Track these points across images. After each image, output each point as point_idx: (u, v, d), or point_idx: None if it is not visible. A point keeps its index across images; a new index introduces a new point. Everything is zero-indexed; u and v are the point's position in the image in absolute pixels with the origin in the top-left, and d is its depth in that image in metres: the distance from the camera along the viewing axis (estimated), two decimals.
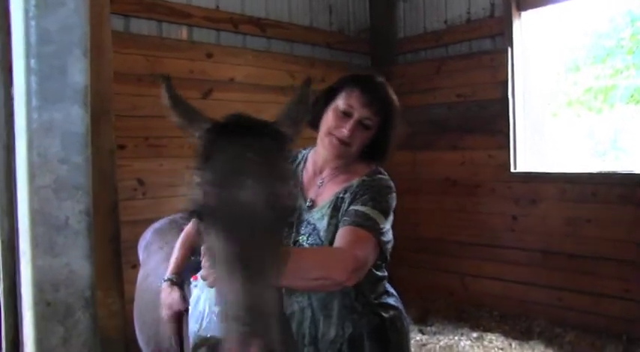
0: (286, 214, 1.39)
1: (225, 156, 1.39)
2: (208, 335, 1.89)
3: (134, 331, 2.86)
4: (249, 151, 1.39)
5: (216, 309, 1.88)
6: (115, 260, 2.16)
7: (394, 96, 2.38)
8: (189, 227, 2.50)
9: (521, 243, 5.98)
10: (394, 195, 2.26)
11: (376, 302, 2.36)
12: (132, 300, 2.91)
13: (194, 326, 1.96)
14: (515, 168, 6.07)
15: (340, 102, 2.28)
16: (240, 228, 1.29)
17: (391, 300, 2.43)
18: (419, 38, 6.94)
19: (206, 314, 1.93)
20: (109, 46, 2.12)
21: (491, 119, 6.18)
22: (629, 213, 5.19)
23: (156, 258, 2.86)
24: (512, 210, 6.06)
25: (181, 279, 2.36)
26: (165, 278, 2.40)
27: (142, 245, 3.18)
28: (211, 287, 1.76)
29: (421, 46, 6.92)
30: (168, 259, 2.60)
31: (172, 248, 2.64)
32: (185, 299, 2.26)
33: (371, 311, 2.33)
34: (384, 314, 2.35)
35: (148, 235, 3.19)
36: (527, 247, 5.93)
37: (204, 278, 1.76)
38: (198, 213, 1.36)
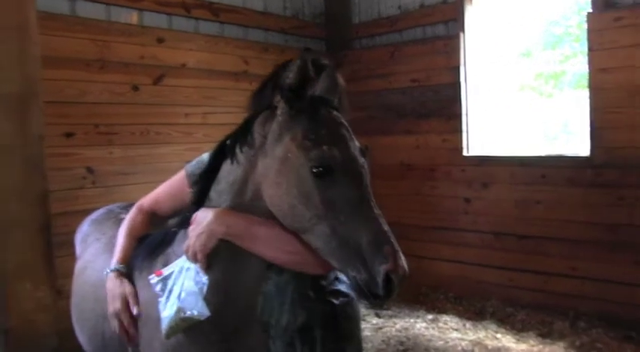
0: (368, 163, 1.86)
1: (332, 122, 1.84)
2: (187, 314, 1.90)
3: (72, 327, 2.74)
4: (342, 119, 1.89)
5: (196, 288, 1.93)
6: (46, 251, 2.04)
7: (342, 81, 2.33)
8: (133, 215, 2.42)
9: (475, 226, 6.06)
10: None
11: (327, 289, 2.27)
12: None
13: (169, 312, 1.95)
14: (468, 152, 6.15)
15: None
16: (362, 176, 1.78)
17: (342, 286, 2.33)
18: (373, 23, 6.92)
19: (183, 295, 1.93)
20: (33, 27, 2.01)
21: (446, 104, 6.21)
22: (575, 195, 5.29)
23: (93, 249, 2.71)
24: (465, 193, 6.12)
25: (130, 269, 2.25)
26: (112, 267, 2.26)
27: (78, 237, 3.01)
28: (192, 259, 1.94)
29: (376, 31, 6.90)
30: (106, 250, 2.52)
31: (110, 238, 2.57)
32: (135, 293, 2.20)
33: (322, 298, 2.27)
34: (334, 301, 2.26)
35: (84, 226, 3.03)
36: (480, 229, 6.01)
37: (191, 253, 1.94)
38: (329, 167, 1.73)
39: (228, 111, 5.71)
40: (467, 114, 6.12)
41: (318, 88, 1.91)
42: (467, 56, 6.07)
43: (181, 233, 2.10)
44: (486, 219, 5.97)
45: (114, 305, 2.15)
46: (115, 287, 2.19)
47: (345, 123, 1.89)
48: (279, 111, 1.87)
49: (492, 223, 5.91)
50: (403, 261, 1.64)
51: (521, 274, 5.68)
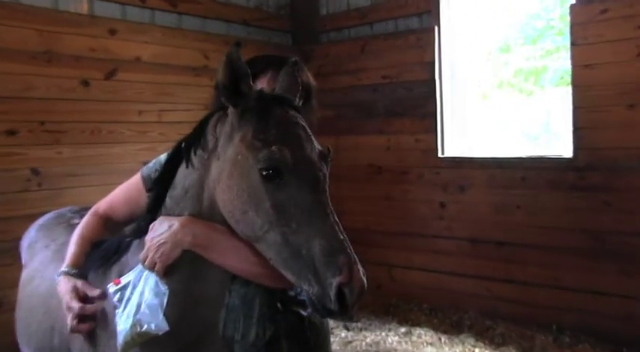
0: (329, 168, 1.86)
1: (285, 122, 1.84)
2: (144, 328, 1.88)
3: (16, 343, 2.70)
4: (298, 118, 1.89)
5: (156, 300, 1.91)
6: None
7: (311, 78, 2.42)
8: (87, 219, 2.40)
9: (450, 232, 6.09)
10: None
11: (295, 299, 2.35)
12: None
13: (124, 325, 1.92)
14: (443, 153, 6.18)
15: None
16: (318, 179, 1.78)
17: None
18: (342, 15, 6.93)
19: (142, 307, 1.90)
20: None
21: (419, 102, 6.24)
22: (558, 199, 5.35)
23: (41, 257, 2.68)
24: (440, 197, 6.15)
25: (82, 275, 2.21)
26: (62, 270, 2.23)
27: (24, 244, 2.98)
28: (149, 269, 1.93)
29: (345, 23, 6.92)
30: (56, 258, 2.48)
31: (61, 245, 2.54)
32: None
33: (289, 309, 2.33)
34: (302, 313, 2.34)
35: (31, 232, 2.99)
36: (456, 236, 6.05)
37: (149, 263, 1.92)
38: (278, 169, 1.73)
39: (187, 108, 5.71)
40: (442, 113, 6.14)
41: (277, 86, 1.99)
42: (442, 51, 6.10)
43: (136, 242, 2.09)
44: (463, 224, 6.00)
45: (66, 299, 2.12)
46: (67, 289, 2.14)
47: (303, 122, 1.89)
48: (229, 111, 1.89)
49: (469, 229, 5.95)
50: (361, 272, 1.63)
51: (499, 284, 5.72)
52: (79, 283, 2.14)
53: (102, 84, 5.24)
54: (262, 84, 2.25)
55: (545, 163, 5.48)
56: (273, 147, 1.74)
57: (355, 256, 1.64)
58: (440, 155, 6.17)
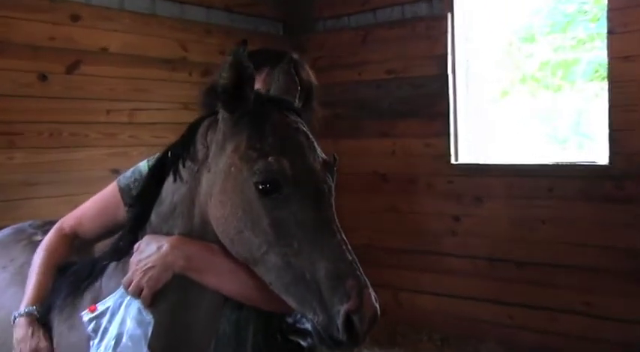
0: (335, 178, 1.86)
1: (284, 128, 1.83)
2: None
3: None
4: (299, 123, 1.87)
5: (139, 331, 1.91)
6: None
7: (312, 76, 2.48)
8: (51, 238, 2.39)
9: (465, 249, 6.00)
10: None
11: (293, 327, 2.32)
12: None
13: None
14: (456, 160, 6.10)
15: None
16: (322, 193, 1.78)
17: (309, 325, 2.28)
18: (341, 1, 6.83)
19: (124, 339, 1.92)
20: None
21: (429, 100, 6.15)
22: (590, 212, 5.27)
23: None
24: (453, 210, 6.07)
25: (46, 311, 2.19)
26: (22, 310, 2.19)
27: None
28: (134, 296, 1.92)
29: (344, 10, 6.81)
30: (15, 282, 2.47)
31: (21, 266, 2.53)
32: (52, 341, 2.15)
33: (287, 338, 2.30)
34: (302, 343, 2.29)
35: None
36: (471, 254, 5.96)
37: (134, 289, 1.92)
38: (276, 182, 1.70)
39: (162, 107, 5.63)
40: (455, 114, 6.05)
41: (273, 86, 2.01)
42: (455, 42, 6.03)
43: (113, 265, 2.10)
44: (479, 241, 5.90)
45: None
46: (24, 339, 2.14)
47: (304, 128, 1.89)
48: (220, 117, 1.89)
49: (487, 246, 5.85)
50: (373, 297, 1.63)
51: (522, 310, 5.64)
52: (42, 345, 2.12)
53: (63, 78, 5.14)
54: (257, 84, 2.22)
55: (575, 171, 5.42)
56: (270, 158, 1.73)
57: (366, 279, 1.64)
58: (453, 161, 6.07)
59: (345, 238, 1.72)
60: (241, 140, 1.81)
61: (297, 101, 2.01)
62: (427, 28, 6.14)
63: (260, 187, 1.72)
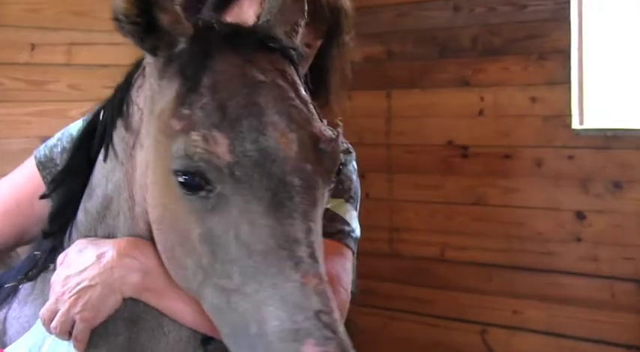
0: (336, 166, 1.61)
1: (235, 79, 1.59)
2: None
3: None
4: (269, 72, 1.63)
5: None
6: None
7: None
8: None
9: (595, 264, 5.42)
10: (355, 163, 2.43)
11: None
12: None
13: None
14: (581, 124, 5.45)
15: None
16: (287, 194, 1.53)
17: None
18: None
19: None
20: None
21: (537, 30, 5.57)
22: None
23: None
24: (576, 202, 5.47)
25: None
26: None
27: None
28: (60, 335, 1.78)
29: None
30: None
31: None
32: None
33: None
34: None
35: None
36: (604, 272, 5.39)
37: (59, 325, 1.76)
38: (201, 173, 1.46)
39: (114, 40, 5.26)
40: (580, 51, 5.37)
41: (264, 13, 1.89)
42: None
43: (26, 288, 1.99)
44: (617, 251, 5.28)
45: None
46: None
47: (282, 81, 1.67)
48: (145, 62, 1.76)
49: (629, 261, 5.27)
50: None
51: None
52: None
53: None
54: (242, 13, 2.26)
55: None
56: (194, 133, 1.50)
57: (340, 338, 1.44)
58: (576, 126, 5.43)
59: (320, 267, 1.49)
60: (168, 100, 1.61)
61: (294, 38, 1.80)
62: None
63: (180, 180, 1.50)
